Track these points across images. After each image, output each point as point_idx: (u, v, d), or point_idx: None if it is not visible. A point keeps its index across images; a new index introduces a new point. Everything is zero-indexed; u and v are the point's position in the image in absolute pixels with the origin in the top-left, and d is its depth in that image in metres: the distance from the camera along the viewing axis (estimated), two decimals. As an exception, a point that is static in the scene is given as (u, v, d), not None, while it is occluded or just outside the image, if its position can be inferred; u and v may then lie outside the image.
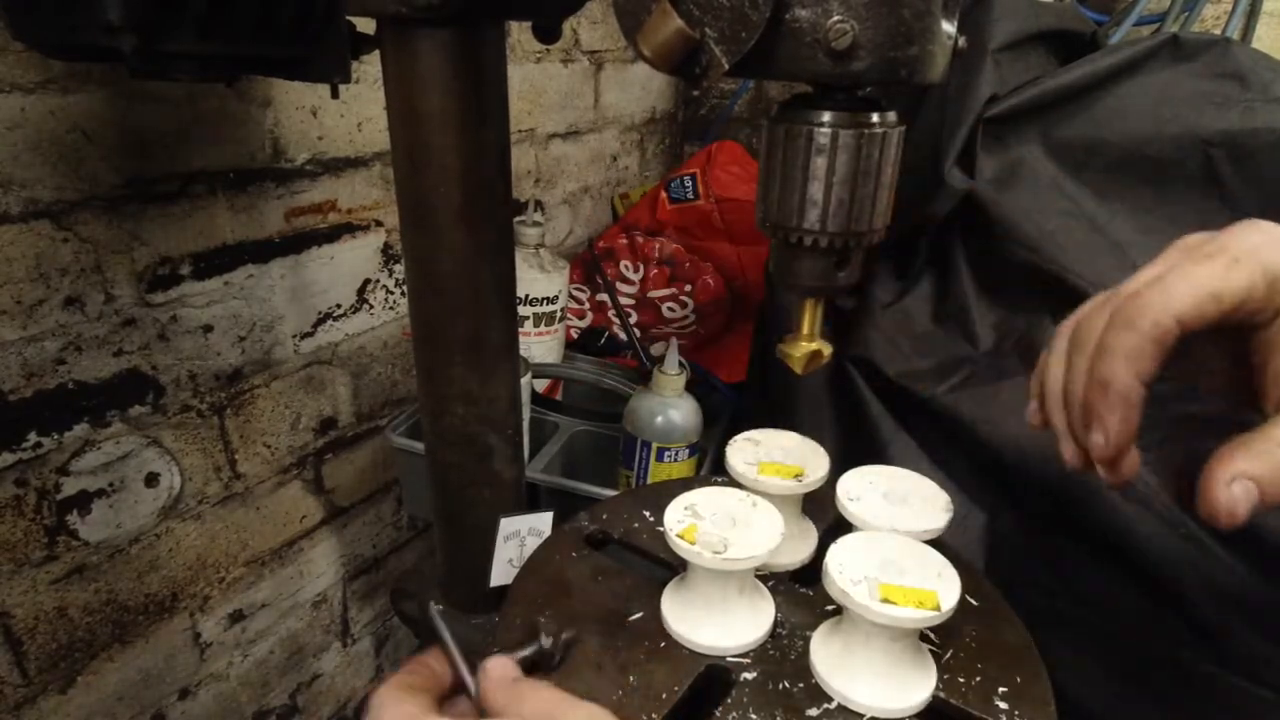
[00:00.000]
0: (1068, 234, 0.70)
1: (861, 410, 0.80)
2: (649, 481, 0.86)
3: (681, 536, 0.44)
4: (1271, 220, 0.35)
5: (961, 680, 0.44)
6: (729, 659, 0.46)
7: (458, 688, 0.40)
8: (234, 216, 0.82)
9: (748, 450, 0.54)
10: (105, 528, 0.78)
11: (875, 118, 0.34)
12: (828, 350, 0.41)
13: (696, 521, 0.45)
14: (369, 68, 0.93)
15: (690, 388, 0.87)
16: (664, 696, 0.43)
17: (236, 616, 0.95)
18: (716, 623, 0.46)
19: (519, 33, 1.16)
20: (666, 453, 0.85)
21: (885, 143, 0.35)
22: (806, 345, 0.40)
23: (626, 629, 0.48)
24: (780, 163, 0.36)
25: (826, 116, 0.34)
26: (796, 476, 0.51)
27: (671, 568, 0.52)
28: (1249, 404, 0.36)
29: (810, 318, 0.40)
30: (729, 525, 0.45)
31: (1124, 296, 0.34)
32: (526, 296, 0.99)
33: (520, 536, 0.65)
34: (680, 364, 0.85)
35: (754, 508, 0.47)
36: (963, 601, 0.40)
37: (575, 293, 1.34)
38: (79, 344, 0.72)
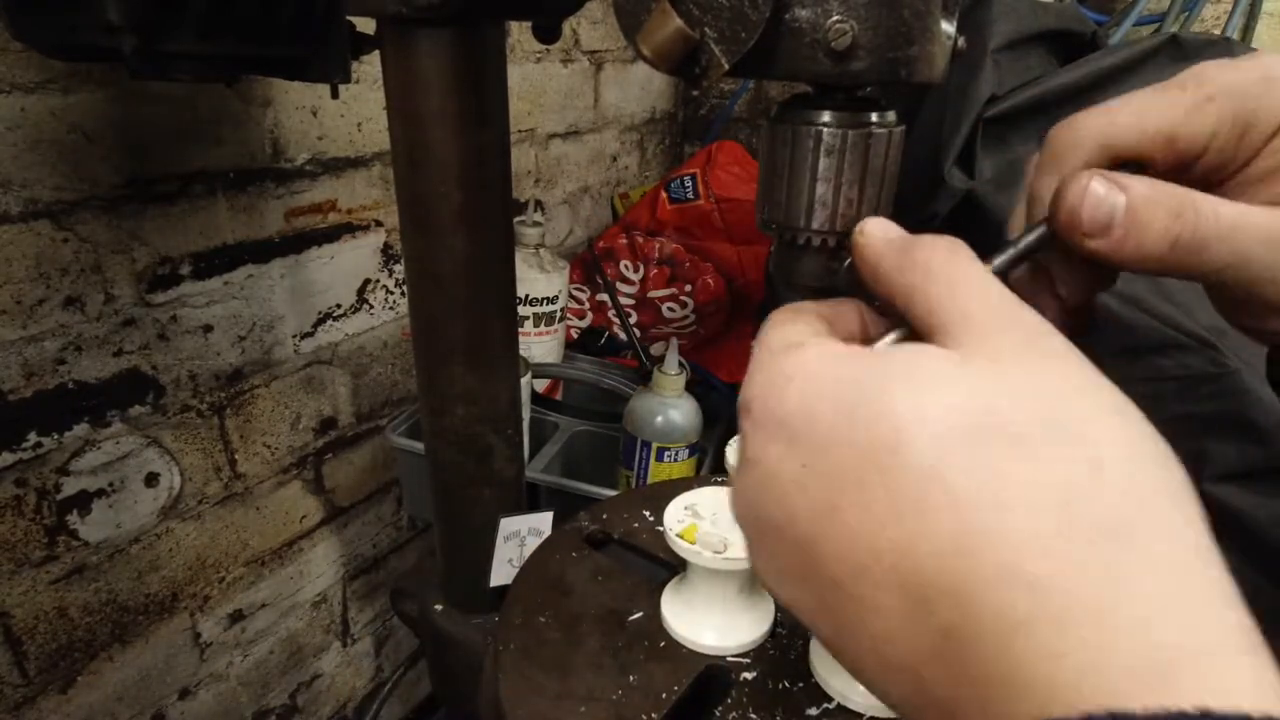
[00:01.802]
0: (1068, 234, 0.70)
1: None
2: (649, 481, 0.86)
3: (681, 536, 0.44)
4: None
5: (961, 680, 0.44)
6: (729, 659, 0.46)
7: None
8: (234, 216, 0.82)
9: (748, 450, 0.54)
10: (105, 528, 0.78)
11: (877, 117, 0.34)
12: None
13: (696, 521, 0.45)
14: (369, 68, 0.92)
15: (690, 388, 0.87)
16: (664, 696, 0.43)
17: (236, 616, 0.95)
18: (716, 623, 0.46)
19: (519, 33, 1.16)
20: (666, 453, 0.85)
21: (889, 142, 0.35)
22: None
23: (626, 629, 0.48)
24: (784, 163, 0.36)
25: (830, 117, 0.34)
26: (796, 476, 0.51)
27: (671, 568, 0.52)
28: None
29: None
30: (729, 525, 0.45)
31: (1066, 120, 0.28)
32: (526, 296, 0.99)
33: (520, 536, 0.65)
34: (680, 364, 0.85)
35: None
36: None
37: (575, 293, 1.34)
38: (79, 344, 0.72)
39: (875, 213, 0.36)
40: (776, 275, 0.39)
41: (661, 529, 0.54)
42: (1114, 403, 0.20)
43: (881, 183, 0.35)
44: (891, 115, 0.35)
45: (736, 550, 0.43)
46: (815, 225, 0.36)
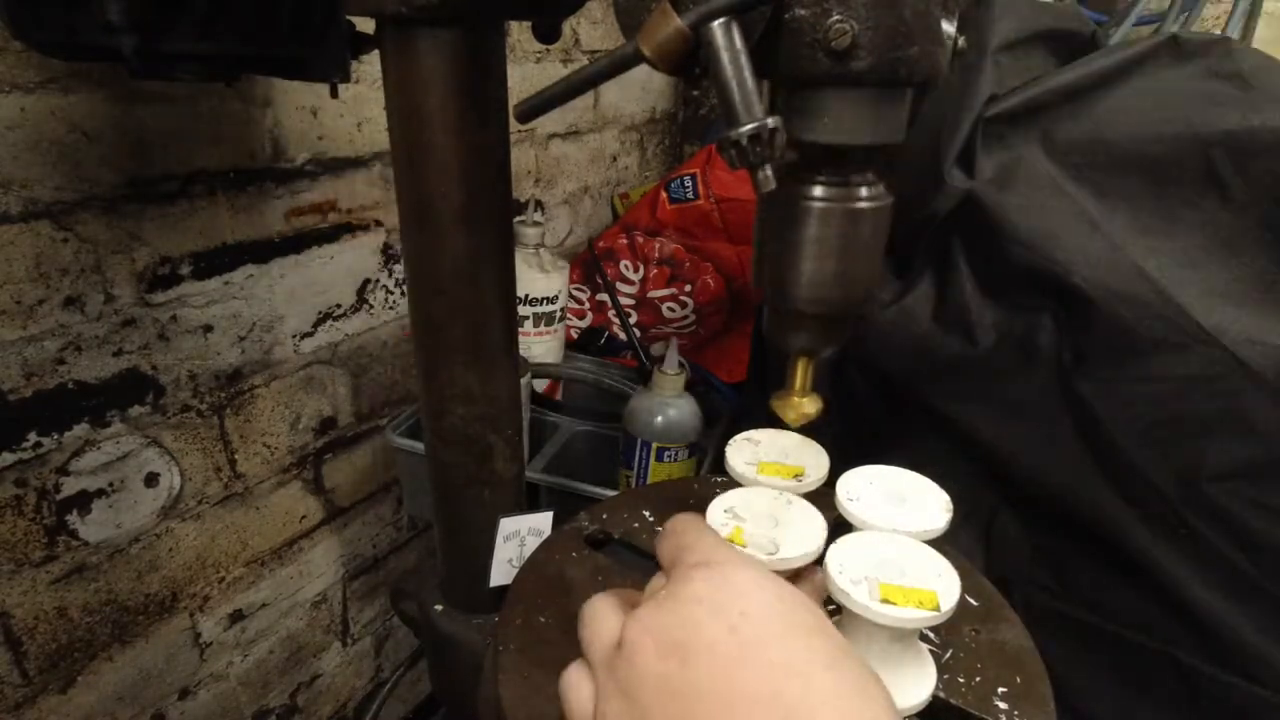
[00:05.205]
0: (1067, 234, 0.70)
1: (861, 410, 0.80)
2: (649, 481, 0.86)
3: (730, 540, 0.43)
4: (1273, 222, 0.34)
5: (961, 680, 0.44)
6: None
7: None
8: (234, 216, 0.82)
9: (747, 450, 0.53)
10: (105, 528, 0.78)
11: (866, 190, 0.35)
12: (818, 406, 0.43)
13: (740, 524, 0.44)
14: (369, 68, 0.92)
15: (690, 388, 0.87)
16: (664, 696, 0.42)
17: (236, 616, 0.95)
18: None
19: (519, 33, 1.16)
20: (666, 453, 0.85)
21: (877, 216, 0.35)
22: (798, 401, 0.41)
23: (626, 629, 0.48)
24: (775, 234, 0.36)
25: (820, 191, 0.35)
26: (796, 476, 0.51)
27: (671, 568, 0.52)
28: None
29: (802, 375, 0.41)
30: (772, 525, 0.44)
31: None
32: (526, 296, 0.99)
33: (520, 536, 0.65)
34: (680, 364, 0.85)
35: (790, 505, 0.46)
36: (963, 601, 0.40)
37: (575, 293, 1.34)
38: (79, 344, 0.72)
39: (865, 281, 0.37)
40: (769, 335, 0.40)
41: (662, 530, 0.54)
42: None
43: (868, 254, 0.36)
44: (880, 187, 0.35)
45: (788, 550, 0.42)
46: (805, 295, 0.36)
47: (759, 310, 1.01)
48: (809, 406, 0.42)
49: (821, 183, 0.34)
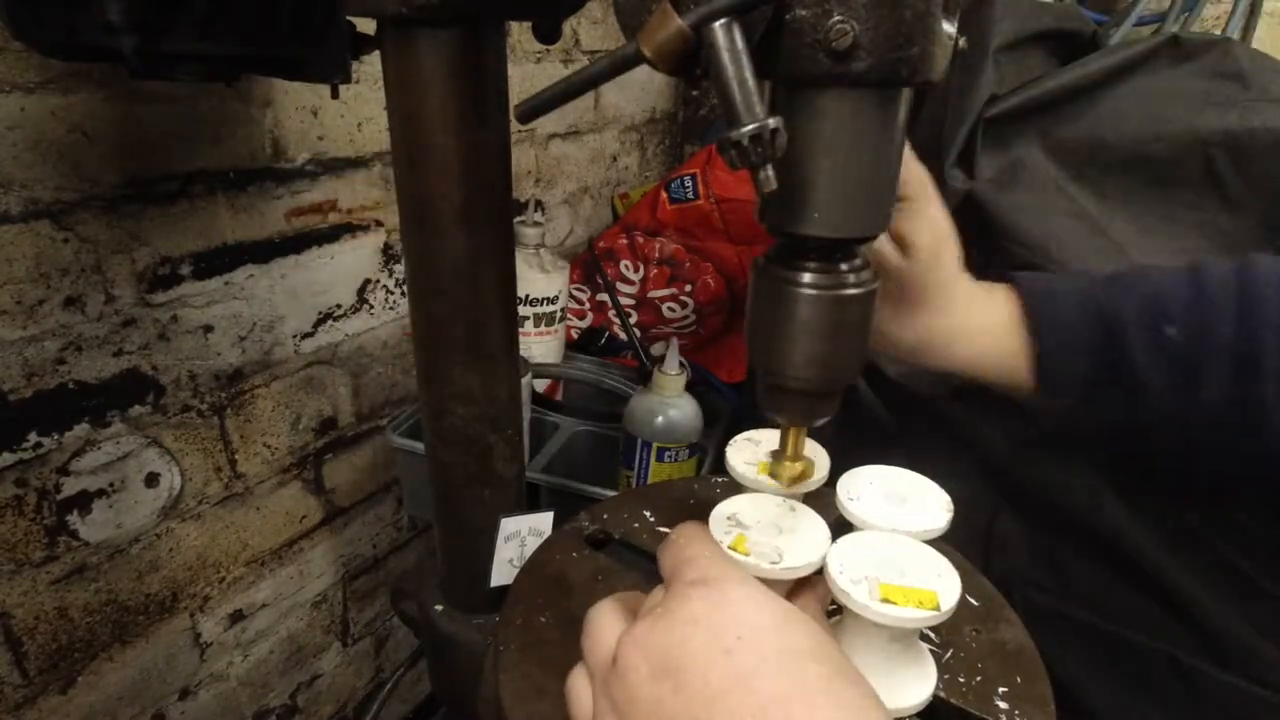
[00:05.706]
0: (1068, 234, 0.70)
1: (862, 410, 0.80)
2: (649, 481, 0.86)
3: (733, 549, 0.43)
4: (1273, 222, 0.35)
5: (961, 680, 0.44)
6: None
7: None
8: (234, 216, 0.82)
9: (748, 450, 0.53)
10: (105, 528, 0.78)
11: (854, 277, 0.37)
12: (812, 468, 0.44)
13: (744, 532, 0.44)
14: (369, 68, 0.92)
15: (690, 388, 0.87)
16: (664, 696, 0.42)
17: (236, 616, 0.95)
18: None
19: (519, 33, 1.16)
20: (666, 453, 0.85)
21: (865, 300, 0.37)
22: (792, 466, 0.43)
23: (627, 629, 0.47)
24: (765, 314, 0.38)
25: (809, 278, 0.36)
26: (796, 477, 0.51)
27: (672, 568, 0.52)
28: None
29: (794, 442, 0.42)
30: (775, 534, 0.44)
31: None
32: (526, 296, 0.99)
33: (520, 536, 0.65)
34: (680, 364, 0.85)
35: (793, 513, 0.46)
36: (963, 601, 0.40)
37: (575, 293, 1.34)
38: (79, 344, 0.72)
39: (854, 357, 0.39)
40: (760, 405, 0.41)
41: (662, 530, 0.54)
42: None
43: (857, 333, 0.38)
44: (867, 272, 0.37)
45: (792, 559, 0.42)
46: (796, 372, 0.38)
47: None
48: (803, 470, 0.43)
49: (811, 269, 0.36)
